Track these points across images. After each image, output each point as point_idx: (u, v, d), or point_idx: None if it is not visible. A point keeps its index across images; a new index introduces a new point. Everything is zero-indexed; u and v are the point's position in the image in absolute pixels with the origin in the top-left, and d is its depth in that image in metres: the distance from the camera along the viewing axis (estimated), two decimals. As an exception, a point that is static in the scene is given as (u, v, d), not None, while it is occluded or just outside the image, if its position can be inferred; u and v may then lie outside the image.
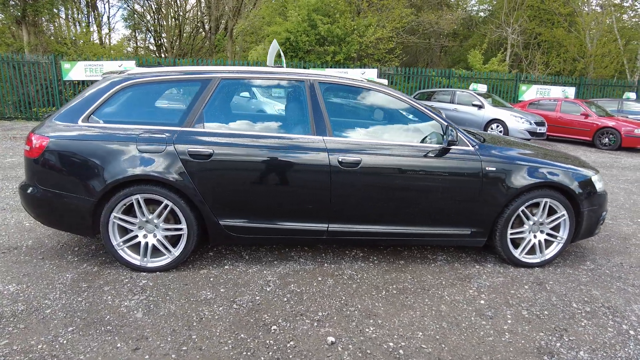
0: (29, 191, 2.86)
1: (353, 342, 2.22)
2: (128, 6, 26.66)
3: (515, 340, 2.29)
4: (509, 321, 2.48)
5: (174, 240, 2.94)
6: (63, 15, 22.03)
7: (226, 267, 3.04)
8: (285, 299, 2.62)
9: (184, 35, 28.00)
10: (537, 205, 3.14)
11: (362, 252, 3.39)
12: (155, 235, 2.89)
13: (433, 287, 2.87)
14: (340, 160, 2.86)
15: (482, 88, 13.91)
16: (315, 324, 2.37)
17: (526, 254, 3.21)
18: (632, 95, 14.27)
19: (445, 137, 2.94)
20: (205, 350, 2.11)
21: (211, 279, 2.84)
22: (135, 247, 2.91)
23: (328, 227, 2.96)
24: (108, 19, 26.64)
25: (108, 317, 2.36)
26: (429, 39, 24.86)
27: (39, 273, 2.86)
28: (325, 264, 3.15)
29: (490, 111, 10.89)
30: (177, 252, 2.90)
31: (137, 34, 29.20)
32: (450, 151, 2.99)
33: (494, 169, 3.00)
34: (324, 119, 2.95)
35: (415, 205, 3.00)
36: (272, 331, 2.28)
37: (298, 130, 2.99)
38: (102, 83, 2.93)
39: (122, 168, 2.71)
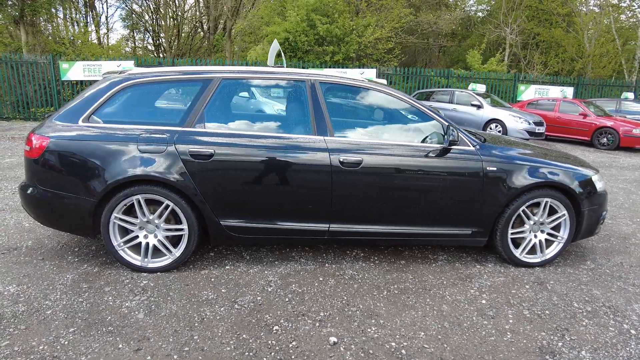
0: (29, 191, 2.85)
1: (355, 342, 2.22)
2: (126, 6, 26.62)
3: (517, 340, 2.29)
4: (511, 321, 2.48)
5: (175, 241, 2.94)
6: (61, 15, 21.98)
7: (227, 267, 3.04)
8: (286, 299, 2.62)
9: (183, 35, 27.95)
10: (537, 205, 3.15)
11: (363, 252, 3.38)
12: (156, 236, 2.88)
13: (434, 287, 2.87)
14: (341, 160, 2.85)
15: (481, 88, 13.93)
16: (317, 324, 2.37)
17: (527, 253, 3.21)
18: (630, 95, 14.30)
19: (446, 137, 2.94)
20: (208, 350, 2.11)
21: (212, 280, 2.84)
22: (136, 248, 2.90)
23: (329, 227, 2.96)
24: (106, 19, 26.69)
25: (109, 317, 2.35)
26: (427, 39, 24.89)
27: (39, 274, 2.85)
28: (327, 264, 3.14)
29: (489, 111, 10.91)
30: (178, 252, 2.89)
31: (135, 34, 29.15)
32: (452, 151, 2.99)
33: (495, 168, 3.01)
34: (325, 119, 2.95)
35: (416, 205, 3.00)
36: (274, 331, 2.28)
37: (299, 130, 2.99)
38: (102, 83, 2.92)
39: (123, 168, 2.71)
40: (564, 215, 3.16)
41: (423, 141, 3.05)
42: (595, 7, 21.44)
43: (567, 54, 21.35)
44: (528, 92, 14.59)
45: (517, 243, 3.21)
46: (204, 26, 27.70)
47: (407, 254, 3.41)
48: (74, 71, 12.63)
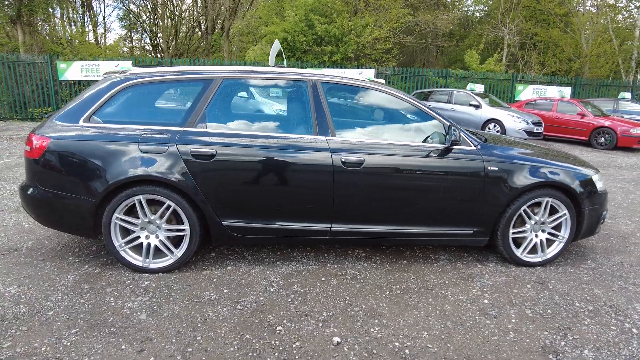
0: (29, 192, 2.83)
1: (359, 342, 2.22)
2: (124, 6, 26.55)
3: (520, 339, 2.30)
4: (513, 320, 2.48)
5: (176, 241, 2.93)
6: (58, 15, 21.90)
7: (229, 267, 3.03)
8: (289, 300, 2.61)
9: (180, 35, 27.91)
10: (538, 204, 3.15)
11: (365, 252, 3.38)
12: (157, 236, 2.87)
13: (436, 286, 2.87)
14: (343, 160, 2.85)
15: (480, 88, 13.97)
16: (320, 324, 2.36)
17: (528, 253, 3.22)
18: (627, 95, 14.38)
19: (447, 136, 2.94)
20: (211, 351, 2.10)
21: (214, 280, 2.83)
22: (137, 248, 2.89)
23: (331, 227, 2.96)
24: (104, 19, 26.52)
25: (111, 318, 2.34)
26: (425, 39, 24.92)
27: (40, 275, 2.83)
28: (328, 264, 3.14)
29: (487, 111, 10.94)
30: (179, 252, 2.88)
31: (132, 34, 29.07)
32: (453, 151, 2.99)
33: (496, 168, 3.01)
34: (326, 119, 2.94)
35: (418, 205, 3.00)
36: (278, 332, 2.28)
37: (300, 130, 2.98)
38: (103, 83, 2.91)
39: (124, 169, 2.70)
40: (564, 214, 3.16)
41: (424, 141, 3.06)
42: (592, 7, 21.54)
43: (564, 54, 21.43)
44: (526, 92, 14.63)
45: (518, 243, 3.22)
46: (202, 26, 27.66)
47: (409, 253, 3.41)
48: (72, 71, 12.58)
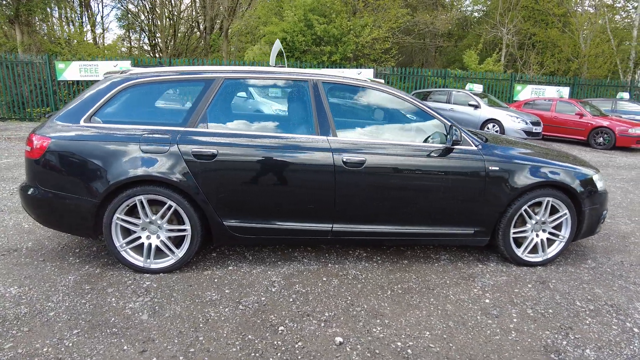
0: (29, 192, 2.82)
1: (361, 342, 2.22)
2: (122, 6, 26.50)
3: (522, 339, 2.30)
4: (515, 320, 2.49)
5: (178, 241, 2.92)
6: (56, 15, 21.84)
7: (230, 267, 3.03)
8: (291, 300, 2.61)
9: (179, 35, 27.87)
10: (539, 204, 3.16)
11: (366, 252, 3.39)
12: (158, 236, 2.87)
13: (438, 286, 2.87)
14: (344, 160, 2.85)
15: (478, 88, 14.00)
16: (323, 324, 2.36)
17: (528, 252, 3.22)
18: (626, 95, 14.42)
19: (449, 136, 2.95)
20: (213, 352, 2.10)
21: (215, 280, 2.83)
22: (138, 249, 2.88)
23: (332, 227, 2.96)
24: (102, 19, 26.46)
25: (113, 319, 2.34)
26: (424, 39, 24.96)
27: (41, 275, 2.82)
28: (329, 264, 3.14)
29: (486, 111, 10.96)
30: (180, 253, 2.88)
31: (131, 34, 29.03)
32: (454, 151, 3.00)
33: (497, 168, 3.02)
34: (327, 119, 2.94)
35: (419, 204, 3.00)
36: (280, 332, 2.27)
37: (302, 130, 2.98)
38: (103, 83, 2.90)
39: (125, 169, 2.69)
40: (565, 214, 3.17)
41: (425, 141, 3.06)
42: (590, 7, 21.60)
43: (563, 54, 21.49)
44: (525, 92, 14.66)
45: (519, 242, 3.22)
46: (201, 26, 27.63)
47: (410, 253, 3.41)
48: (71, 71, 12.55)
